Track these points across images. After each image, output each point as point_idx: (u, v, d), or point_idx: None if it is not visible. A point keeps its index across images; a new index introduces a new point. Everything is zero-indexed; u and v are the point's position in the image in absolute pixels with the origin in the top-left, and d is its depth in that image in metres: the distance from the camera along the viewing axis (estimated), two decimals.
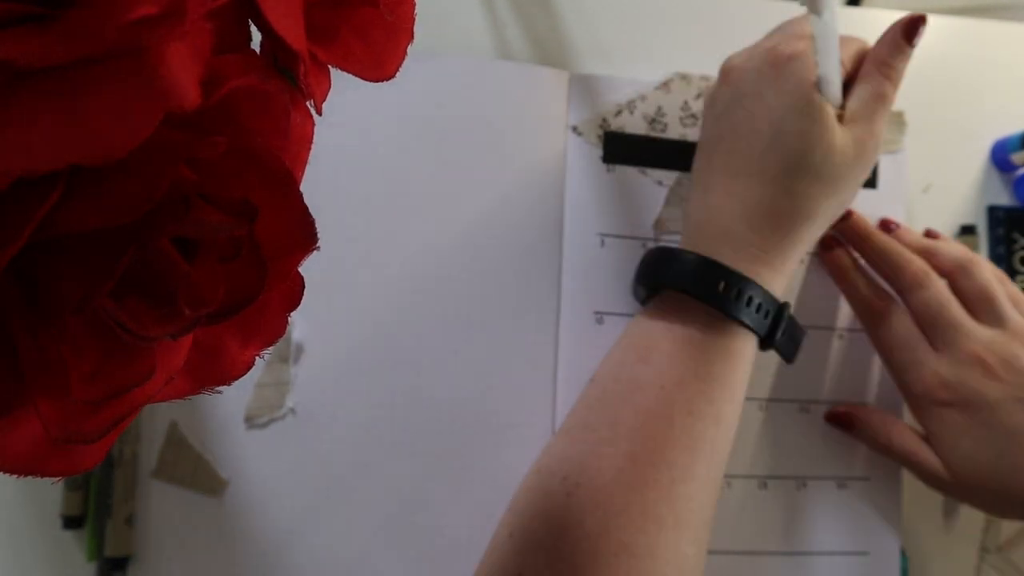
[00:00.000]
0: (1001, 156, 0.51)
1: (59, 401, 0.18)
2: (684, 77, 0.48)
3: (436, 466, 0.43)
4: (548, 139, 0.46)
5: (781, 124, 0.40)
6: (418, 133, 0.45)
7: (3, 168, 0.15)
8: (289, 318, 0.39)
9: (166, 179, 0.16)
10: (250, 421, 0.42)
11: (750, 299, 0.39)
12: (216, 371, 0.19)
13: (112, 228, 0.16)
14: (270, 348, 0.20)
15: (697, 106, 0.48)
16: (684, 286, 0.40)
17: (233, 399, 0.42)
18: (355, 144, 0.44)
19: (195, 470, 0.41)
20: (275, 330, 0.20)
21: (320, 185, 0.43)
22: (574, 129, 0.46)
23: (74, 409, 0.18)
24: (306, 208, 0.18)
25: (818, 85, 0.40)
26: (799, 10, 0.49)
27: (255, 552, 0.41)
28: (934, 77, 0.51)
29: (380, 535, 0.42)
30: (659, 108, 0.47)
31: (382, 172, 0.44)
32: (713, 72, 0.49)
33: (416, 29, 0.18)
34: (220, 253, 0.18)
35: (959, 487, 0.43)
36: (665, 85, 0.48)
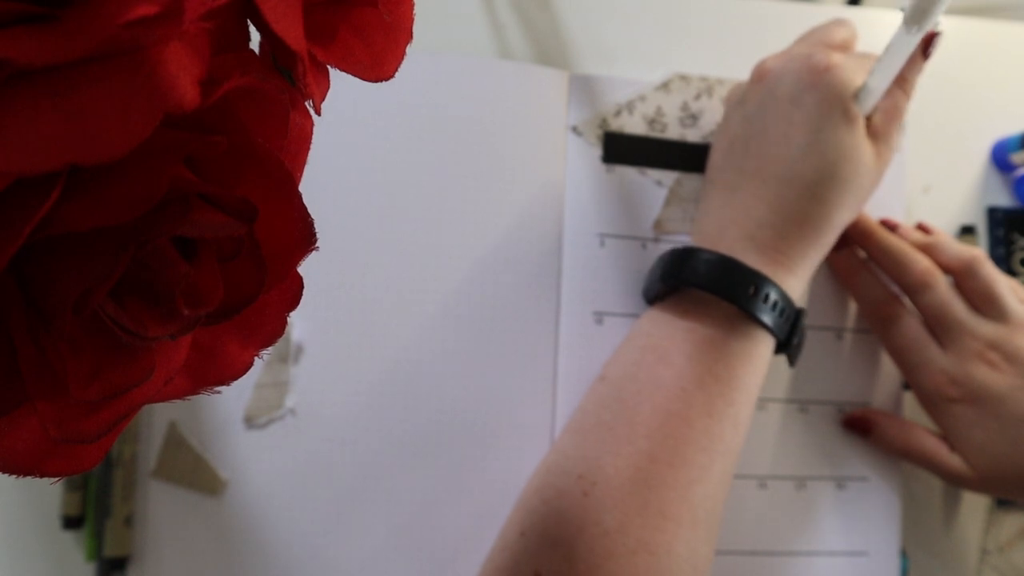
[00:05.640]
0: (1001, 156, 0.51)
1: (58, 401, 0.18)
2: (683, 78, 0.48)
3: (435, 466, 0.43)
4: (548, 139, 0.46)
5: (819, 132, 0.41)
6: (418, 133, 0.45)
7: (2, 168, 0.15)
8: (288, 318, 0.39)
9: (165, 179, 0.16)
10: (249, 421, 0.42)
11: (775, 303, 0.39)
12: (215, 371, 0.19)
13: (111, 228, 0.16)
14: (269, 348, 0.20)
15: (696, 106, 0.48)
16: (710, 285, 0.40)
17: (232, 399, 0.42)
18: (354, 144, 0.44)
19: (195, 470, 0.41)
20: (274, 330, 0.19)
21: (320, 185, 0.43)
22: (574, 129, 0.46)
23: (73, 409, 0.18)
24: (305, 208, 0.18)
25: (857, 94, 0.41)
26: (796, 11, 0.49)
27: (254, 552, 0.41)
28: (934, 77, 0.51)
29: (379, 534, 0.42)
30: (658, 108, 0.47)
31: (381, 172, 0.44)
32: (712, 72, 0.49)
33: (416, 29, 0.18)
34: (219, 253, 0.18)
35: (983, 481, 0.43)
36: (665, 86, 0.48)
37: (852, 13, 0.52)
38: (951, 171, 0.52)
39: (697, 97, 0.48)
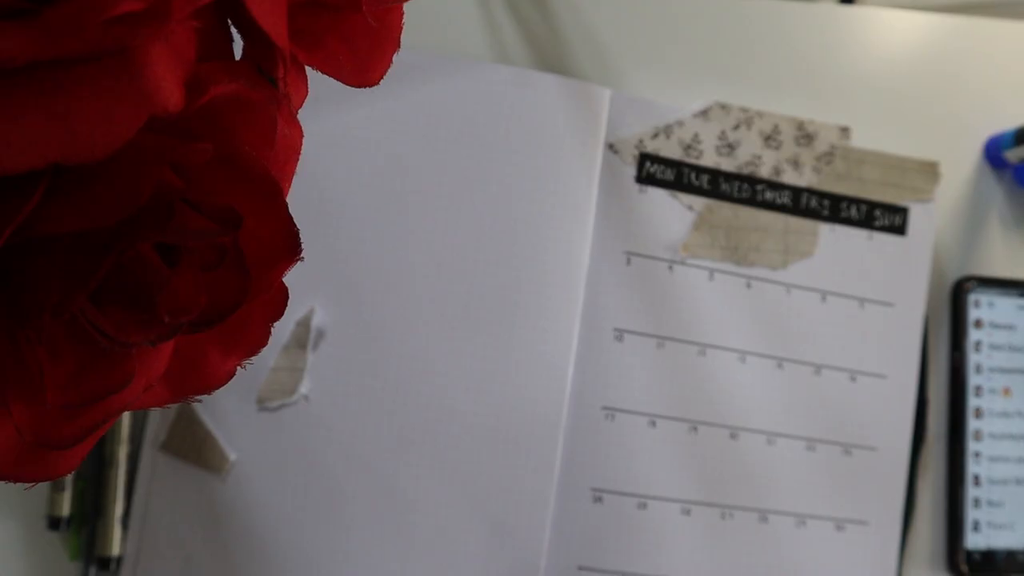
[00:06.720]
0: (994, 153, 0.51)
1: (34, 406, 0.18)
2: (724, 107, 0.48)
3: (441, 470, 0.43)
4: (583, 154, 0.46)
5: None
6: (456, 138, 0.45)
7: None
8: (313, 305, 0.39)
9: (149, 183, 0.16)
10: (261, 403, 0.42)
11: None
12: (196, 380, 0.19)
13: (93, 231, 0.16)
14: (252, 359, 0.19)
15: (734, 136, 0.48)
16: None
17: (248, 379, 0.42)
18: (390, 143, 0.44)
19: (203, 447, 0.41)
20: (258, 340, 0.19)
21: (354, 183, 0.44)
22: (610, 147, 0.46)
23: (49, 414, 0.18)
24: (291, 219, 0.18)
25: None
26: (790, 9, 0.48)
27: (252, 533, 0.41)
28: (928, 73, 0.51)
29: (375, 529, 0.42)
30: (696, 135, 0.47)
31: (416, 173, 0.44)
32: (751, 102, 0.48)
33: (410, 29, 0.18)
34: (203, 261, 0.18)
35: None
36: (704, 113, 0.48)
37: (845, 12, 0.52)
38: (944, 167, 0.50)
39: (736, 127, 0.48)
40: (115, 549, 0.41)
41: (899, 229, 0.49)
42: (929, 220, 0.49)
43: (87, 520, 0.41)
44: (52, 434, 0.18)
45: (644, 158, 0.47)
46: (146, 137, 0.16)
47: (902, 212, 0.49)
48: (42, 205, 0.16)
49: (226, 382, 0.19)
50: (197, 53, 0.15)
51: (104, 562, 0.41)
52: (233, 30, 0.16)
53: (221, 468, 0.42)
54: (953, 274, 0.51)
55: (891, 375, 0.47)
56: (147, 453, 0.42)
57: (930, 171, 0.49)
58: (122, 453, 0.41)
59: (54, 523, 0.41)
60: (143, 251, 0.17)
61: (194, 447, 0.41)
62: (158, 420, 0.42)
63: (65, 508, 0.41)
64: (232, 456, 0.42)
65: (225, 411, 0.42)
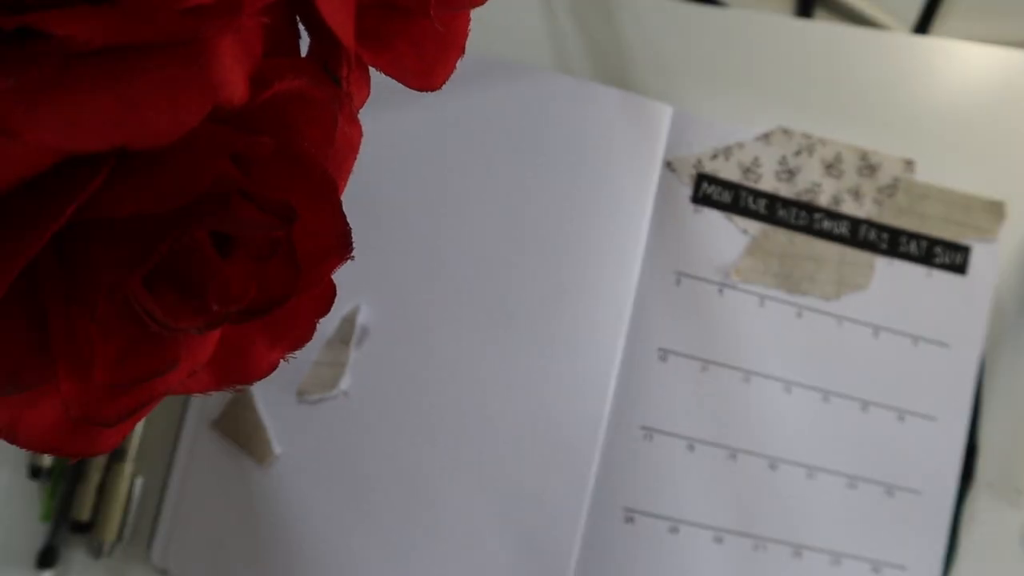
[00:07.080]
0: None
1: (82, 383, 0.18)
2: (786, 132, 0.47)
3: (473, 476, 0.43)
4: (640, 170, 0.46)
5: None
6: (510, 144, 0.45)
7: (55, 144, 0.15)
8: (357, 301, 0.39)
9: (210, 172, 0.16)
10: (302, 396, 0.43)
11: None
12: (240, 369, 0.19)
13: (151, 216, 0.17)
14: (296, 352, 0.19)
15: (795, 163, 0.47)
16: None
17: (291, 371, 0.43)
18: (445, 146, 0.45)
19: (252, 434, 0.42)
20: (303, 334, 0.19)
21: (406, 185, 0.44)
22: (668, 165, 0.46)
23: (95, 392, 0.18)
24: (344, 217, 0.18)
25: None
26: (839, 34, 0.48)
27: (283, 524, 0.42)
28: (999, 110, 0.49)
29: (403, 530, 0.42)
30: (756, 159, 0.47)
31: (467, 177, 0.45)
32: (814, 129, 0.47)
33: (476, 36, 0.18)
34: (255, 252, 0.18)
35: None
36: (766, 137, 0.47)
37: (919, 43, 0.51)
38: (1011, 207, 0.49)
39: (797, 153, 0.47)
40: (88, 514, 0.42)
41: (960, 268, 0.47)
42: (992, 260, 0.48)
43: (66, 480, 0.42)
44: (97, 411, 0.18)
45: (701, 178, 0.46)
46: (209, 128, 0.16)
47: (964, 251, 0.48)
48: (104, 187, 0.16)
49: (269, 373, 0.19)
50: (264, 48, 0.15)
51: (82, 526, 0.42)
52: (301, 27, 0.16)
53: (265, 458, 0.42)
54: (1014, 317, 0.49)
55: (941, 417, 0.46)
56: (190, 425, 0.43)
57: (996, 210, 0.48)
58: None
59: (35, 471, 0.42)
60: (198, 239, 0.17)
61: (244, 432, 0.42)
62: (212, 397, 0.43)
63: (47, 458, 0.42)
64: (278, 449, 0.42)
65: (267, 401, 0.43)
